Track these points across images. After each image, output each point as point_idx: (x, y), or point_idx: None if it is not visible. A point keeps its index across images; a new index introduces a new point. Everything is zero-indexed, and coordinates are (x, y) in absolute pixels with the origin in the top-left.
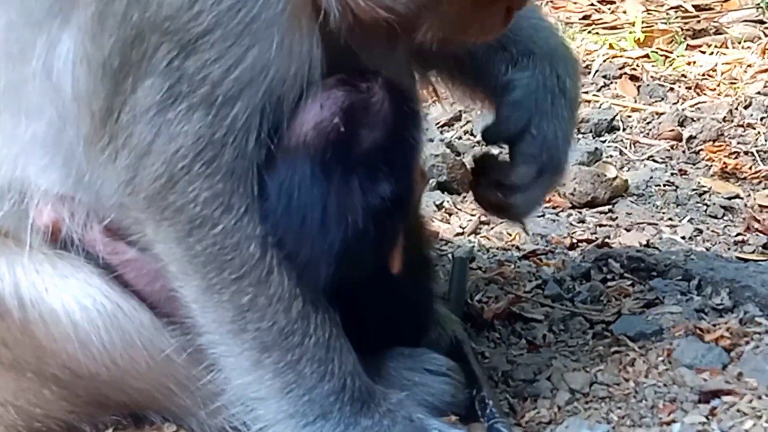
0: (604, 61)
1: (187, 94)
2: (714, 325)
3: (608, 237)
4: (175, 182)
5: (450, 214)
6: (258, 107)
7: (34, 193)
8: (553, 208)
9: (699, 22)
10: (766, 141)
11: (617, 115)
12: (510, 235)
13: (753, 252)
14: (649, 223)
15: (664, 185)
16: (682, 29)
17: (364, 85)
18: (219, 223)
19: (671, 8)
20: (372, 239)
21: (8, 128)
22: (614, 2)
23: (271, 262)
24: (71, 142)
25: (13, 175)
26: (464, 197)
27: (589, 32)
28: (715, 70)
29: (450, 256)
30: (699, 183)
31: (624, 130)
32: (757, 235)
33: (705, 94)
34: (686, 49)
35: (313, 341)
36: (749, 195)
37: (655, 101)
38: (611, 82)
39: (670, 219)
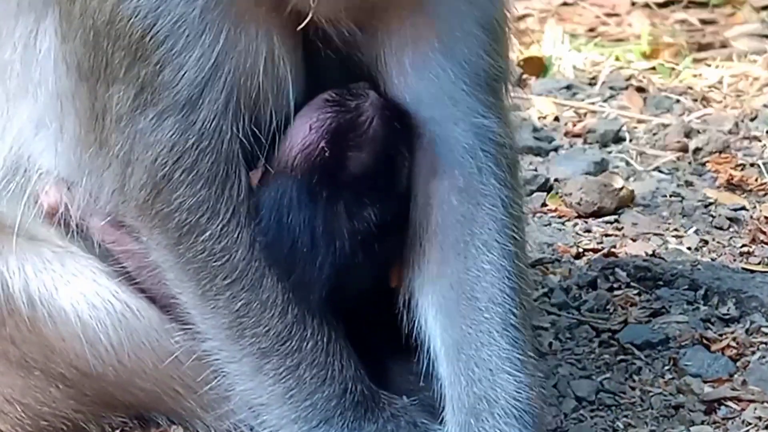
0: (611, 72)
1: (152, 102)
2: (720, 335)
3: (614, 246)
4: (159, 191)
5: None
6: (226, 110)
7: (39, 175)
8: (560, 217)
9: (704, 35)
10: None
11: (623, 126)
12: None
13: (759, 263)
14: (655, 234)
15: (670, 196)
16: (688, 42)
17: (353, 104)
18: (206, 229)
19: (677, 22)
20: (362, 262)
21: (7, 109)
22: (620, 15)
23: (262, 266)
24: (60, 135)
25: (19, 155)
26: None
27: (595, 44)
28: (721, 83)
29: None
30: (705, 194)
31: (630, 141)
32: (762, 246)
33: (711, 107)
34: (692, 62)
35: (310, 345)
36: (755, 207)
37: (662, 113)
38: (618, 93)
39: (676, 230)
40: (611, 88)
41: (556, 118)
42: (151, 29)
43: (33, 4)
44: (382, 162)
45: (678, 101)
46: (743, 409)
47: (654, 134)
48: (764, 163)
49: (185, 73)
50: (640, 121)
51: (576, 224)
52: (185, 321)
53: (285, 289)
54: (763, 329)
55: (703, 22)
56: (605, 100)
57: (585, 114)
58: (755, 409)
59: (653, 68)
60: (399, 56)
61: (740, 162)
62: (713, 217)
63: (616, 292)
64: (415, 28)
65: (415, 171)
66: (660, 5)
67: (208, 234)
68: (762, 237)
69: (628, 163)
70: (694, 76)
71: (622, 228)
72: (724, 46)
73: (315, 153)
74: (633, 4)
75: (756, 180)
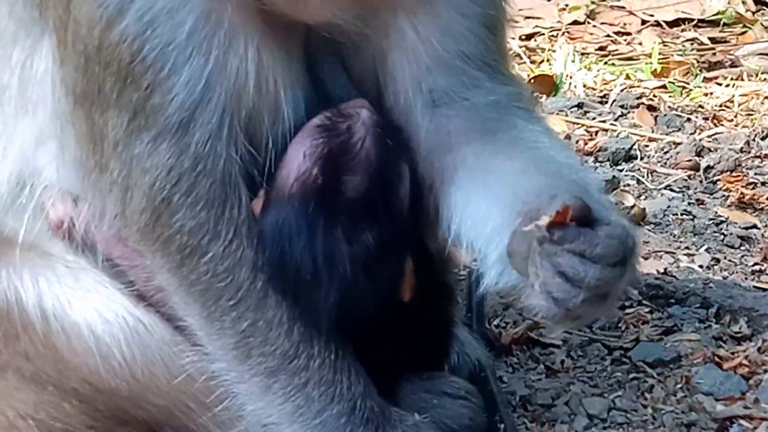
0: (622, 90)
1: (146, 127)
2: (732, 353)
3: None
4: (158, 215)
5: None
6: (220, 131)
7: (44, 188)
8: None
9: (714, 54)
10: None
11: (635, 144)
12: None
13: None
14: (667, 252)
15: (682, 214)
16: (698, 61)
17: (344, 125)
18: (208, 251)
19: (687, 40)
20: (367, 283)
21: (7, 126)
22: (630, 34)
23: (265, 286)
24: (61, 155)
25: (24, 169)
26: None
27: (606, 63)
28: (732, 102)
29: (467, 272)
30: (716, 212)
31: (641, 159)
32: None
33: (722, 125)
34: (703, 80)
35: (317, 363)
36: (766, 225)
37: (673, 131)
38: (629, 112)
39: (687, 248)
40: (622, 106)
41: (567, 137)
42: (138, 54)
43: (29, 28)
44: (377, 183)
45: (689, 120)
46: (755, 428)
47: (665, 152)
48: None
49: (174, 96)
50: (651, 140)
51: None
52: (195, 342)
53: (290, 308)
54: None
55: (714, 40)
56: (616, 119)
57: (596, 132)
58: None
59: (664, 87)
60: (409, 61)
61: (751, 180)
62: (725, 235)
63: (627, 310)
64: (420, 31)
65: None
66: (670, 24)
67: (210, 255)
68: None
69: (639, 182)
70: (705, 94)
71: None
72: (734, 64)
73: (310, 180)
74: (643, 22)
75: (767, 199)
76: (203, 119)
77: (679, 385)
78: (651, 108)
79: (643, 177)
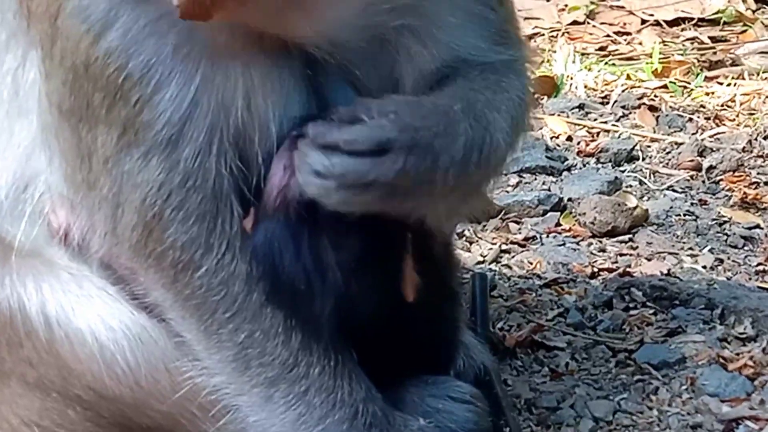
0: (623, 91)
1: (135, 142)
2: (737, 354)
3: (629, 266)
4: (150, 231)
5: (471, 243)
6: (210, 147)
7: (42, 193)
8: (574, 237)
9: (715, 53)
10: None
11: (636, 144)
12: (531, 263)
13: None
14: (670, 253)
15: (684, 215)
16: (699, 60)
17: None
18: (202, 265)
19: (687, 40)
20: (361, 289)
21: (8, 126)
22: (630, 33)
23: (261, 297)
24: (50, 166)
25: (23, 174)
26: (484, 226)
27: (606, 63)
28: (733, 101)
29: (470, 275)
30: (719, 213)
31: (643, 159)
32: None
33: (724, 125)
34: (704, 80)
35: (317, 371)
36: None
37: (674, 131)
38: (630, 112)
39: (690, 249)
40: (623, 107)
41: (569, 138)
42: (125, 70)
43: (20, 37)
44: None
45: (690, 120)
46: (761, 429)
47: (667, 153)
48: None
49: (162, 112)
50: (653, 140)
51: (590, 244)
52: (194, 357)
53: (287, 317)
54: None
55: (714, 39)
56: (618, 119)
57: (597, 133)
58: None
59: (665, 86)
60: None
61: (754, 180)
62: (728, 235)
63: (631, 312)
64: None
65: None
66: (670, 23)
67: (204, 270)
68: None
69: (641, 182)
70: (707, 94)
71: (637, 247)
72: (735, 63)
73: (290, 192)
74: (643, 22)
75: None
76: (192, 135)
77: (684, 387)
78: (652, 108)
79: (646, 178)
